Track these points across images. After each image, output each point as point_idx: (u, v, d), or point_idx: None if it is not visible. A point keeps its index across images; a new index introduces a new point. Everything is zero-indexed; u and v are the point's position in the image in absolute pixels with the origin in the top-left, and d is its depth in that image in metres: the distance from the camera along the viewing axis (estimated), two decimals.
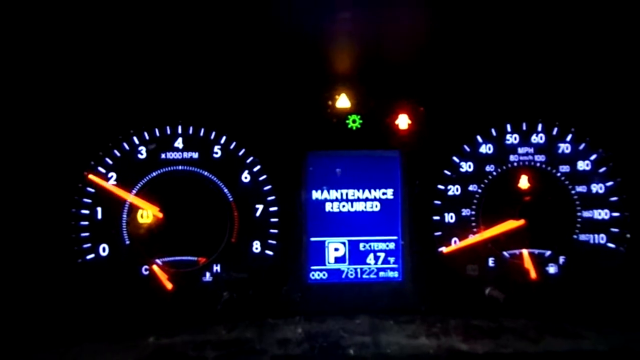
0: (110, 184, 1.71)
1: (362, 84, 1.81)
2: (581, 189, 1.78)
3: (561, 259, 1.77)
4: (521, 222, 1.73)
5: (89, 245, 1.70)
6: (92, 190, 1.71)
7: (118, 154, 1.73)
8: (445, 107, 1.80)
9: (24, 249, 1.63)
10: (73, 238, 1.69)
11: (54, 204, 1.68)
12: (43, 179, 1.67)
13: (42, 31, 1.35)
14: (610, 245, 1.77)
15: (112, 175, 1.72)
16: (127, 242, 1.71)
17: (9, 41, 1.34)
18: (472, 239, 1.76)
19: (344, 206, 1.79)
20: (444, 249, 1.78)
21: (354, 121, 1.80)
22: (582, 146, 1.79)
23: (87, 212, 1.71)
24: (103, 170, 1.72)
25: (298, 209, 1.77)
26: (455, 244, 1.77)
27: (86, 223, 1.70)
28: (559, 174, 1.78)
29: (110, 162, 1.73)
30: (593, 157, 1.79)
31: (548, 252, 1.77)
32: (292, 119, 1.77)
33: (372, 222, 1.80)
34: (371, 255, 1.80)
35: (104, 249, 1.70)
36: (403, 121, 1.79)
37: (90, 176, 1.69)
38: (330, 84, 1.80)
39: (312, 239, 1.78)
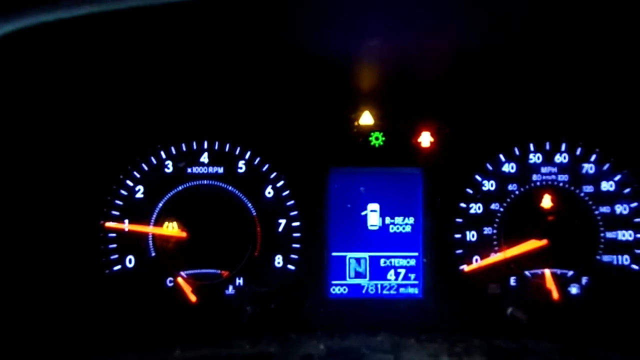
0: (137, 198, 1.76)
1: (386, 102, 1.82)
2: (605, 209, 1.77)
3: (584, 280, 1.76)
4: (544, 241, 1.73)
5: (116, 256, 1.74)
6: (121, 202, 1.76)
7: (146, 168, 1.77)
8: (467, 125, 1.81)
9: (53, 260, 1.67)
10: (101, 249, 1.74)
11: (83, 216, 1.73)
12: (72, 191, 1.71)
13: (70, 49, 1.38)
14: (634, 266, 1.75)
15: (140, 188, 1.76)
16: (153, 254, 1.75)
17: (36, 57, 1.37)
18: (493, 258, 1.76)
19: (365, 222, 1.81)
20: (465, 267, 1.78)
21: (376, 138, 1.81)
22: (606, 166, 1.78)
23: (115, 224, 1.75)
24: (131, 184, 1.76)
25: (320, 224, 1.79)
26: (477, 263, 1.77)
27: (114, 235, 1.75)
28: (582, 194, 1.78)
29: (138, 175, 1.77)
30: (617, 177, 1.78)
31: (570, 272, 1.76)
32: (315, 135, 1.80)
33: (393, 238, 1.81)
34: (392, 271, 1.81)
35: (130, 261, 1.74)
36: (425, 139, 1.81)
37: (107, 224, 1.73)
38: (354, 101, 1.82)
39: (334, 253, 1.80)
